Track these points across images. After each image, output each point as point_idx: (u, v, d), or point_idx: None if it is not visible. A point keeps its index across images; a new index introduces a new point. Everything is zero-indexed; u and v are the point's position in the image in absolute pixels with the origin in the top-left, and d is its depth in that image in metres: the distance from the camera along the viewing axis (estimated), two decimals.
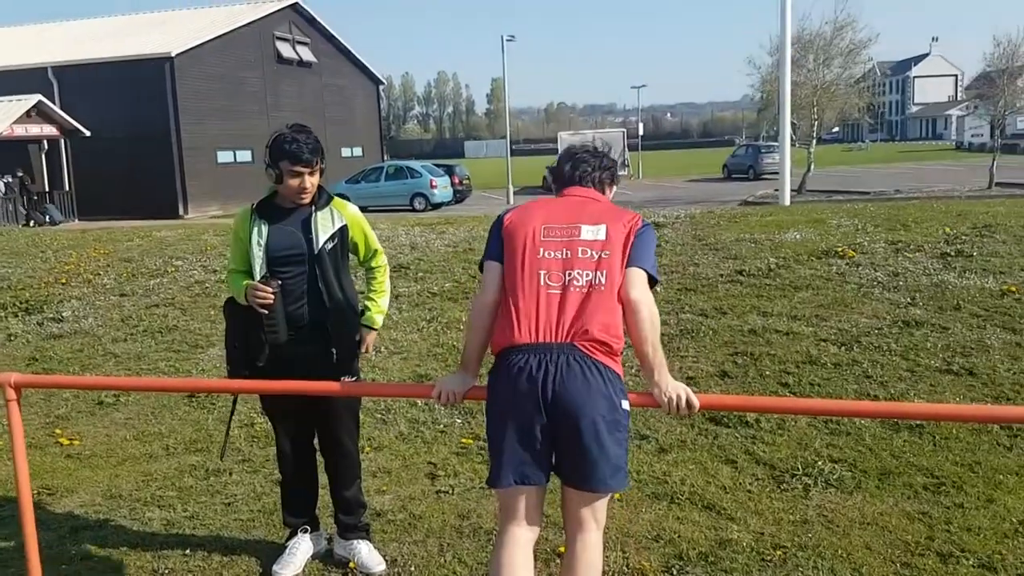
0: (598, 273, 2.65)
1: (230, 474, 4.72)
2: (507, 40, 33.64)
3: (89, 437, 5.44)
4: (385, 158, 42.37)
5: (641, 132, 51.14)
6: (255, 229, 3.46)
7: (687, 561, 3.56)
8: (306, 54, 36.65)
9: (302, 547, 3.67)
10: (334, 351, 3.46)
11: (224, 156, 31.58)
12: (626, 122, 74.76)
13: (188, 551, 3.80)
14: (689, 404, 2.62)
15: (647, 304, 2.65)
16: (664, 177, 43.35)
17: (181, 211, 29.09)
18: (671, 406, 2.63)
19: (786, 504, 4.06)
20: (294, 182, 3.38)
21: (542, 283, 2.66)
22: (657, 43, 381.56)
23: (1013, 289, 6.81)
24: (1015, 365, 5.58)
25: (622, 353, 2.70)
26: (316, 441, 3.76)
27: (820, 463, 4.43)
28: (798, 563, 3.50)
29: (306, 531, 3.72)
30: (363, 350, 3.63)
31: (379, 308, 3.65)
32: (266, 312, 3.32)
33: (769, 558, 3.55)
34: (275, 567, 3.58)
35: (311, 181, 3.40)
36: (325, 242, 3.43)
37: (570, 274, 2.66)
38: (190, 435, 5.35)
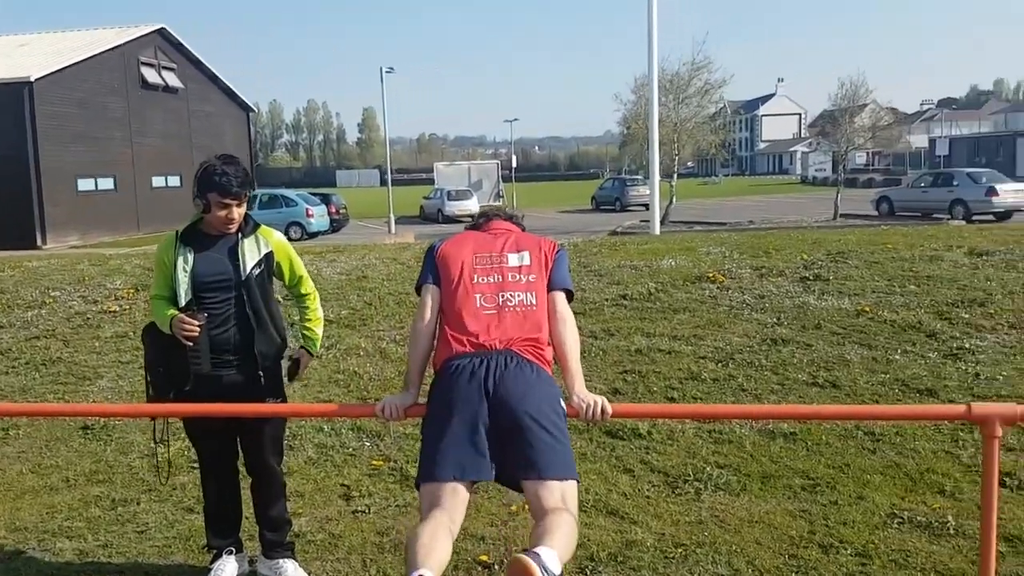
0: (528, 294, 2.97)
1: (138, 503, 4.68)
2: (386, 72, 33.85)
3: None
4: (255, 186, 41.50)
5: (515, 164, 52.18)
6: (180, 256, 3.53)
7: (598, 562, 3.84)
8: (172, 80, 35.58)
9: (227, 569, 3.73)
10: (261, 375, 3.57)
11: (85, 184, 30.16)
12: (497, 154, 75.99)
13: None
14: (603, 411, 2.91)
15: (571, 321, 3.02)
16: (537, 208, 44.35)
17: (39, 240, 27.52)
18: (588, 413, 2.90)
19: (681, 507, 4.42)
20: (222, 213, 3.48)
21: (478, 305, 2.94)
22: (524, 79, 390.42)
23: (867, 309, 7.54)
24: (873, 377, 6.21)
25: (552, 365, 2.99)
26: (240, 463, 3.84)
27: (708, 469, 4.83)
28: (698, 559, 3.85)
29: (231, 552, 3.78)
30: (299, 374, 3.77)
31: (315, 334, 3.80)
32: (191, 344, 3.41)
33: (671, 555, 3.89)
34: None
35: (238, 212, 3.51)
36: (252, 268, 3.54)
37: (503, 296, 2.96)
38: (89, 467, 5.24)
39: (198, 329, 3.39)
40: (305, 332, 3.77)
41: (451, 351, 2.88)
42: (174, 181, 35.56)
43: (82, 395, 6.58)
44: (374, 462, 5.15)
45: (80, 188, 29.99)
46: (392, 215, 32.44)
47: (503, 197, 46.39)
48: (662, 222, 26.98)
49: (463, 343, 2.87)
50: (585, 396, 2.93)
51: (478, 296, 2.96)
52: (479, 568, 3.80)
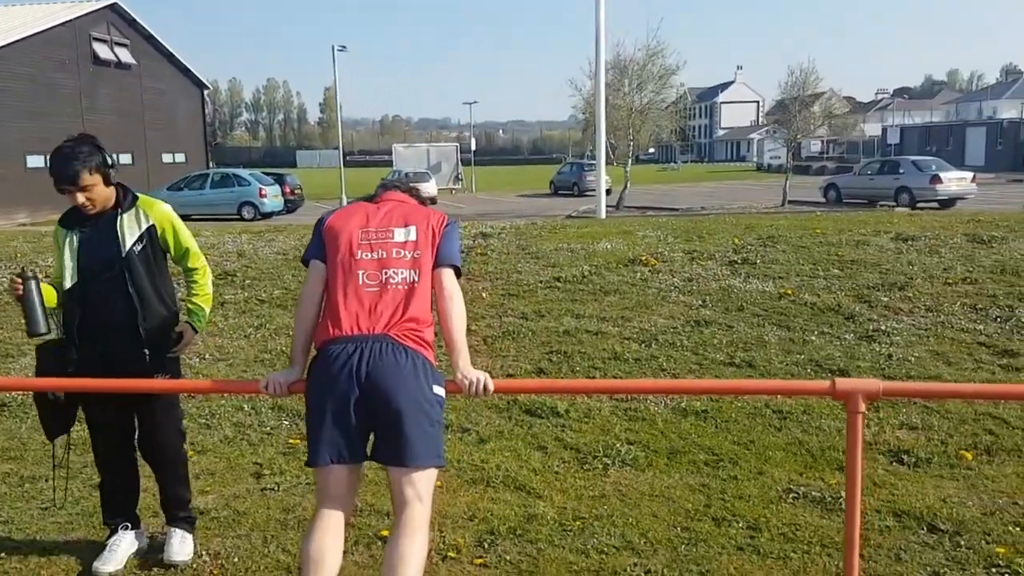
0: (412, 271, 2.97)
1: (46, 480, 4.63)
2: (338, 50, 33.49)
3: None
4: (211, 165, 40.89)
5: (474, 147, 52.00)
6: (66, 240, 3.51)
7: (498, 535, 3.91)
8: (125, 56, 34.85)
9: (123, 544, 3.72)
10: (146, 352, 3.52)
11: (34, 160, 29.43)
12: (460, 137, 75.72)
13: (3, 554, 3.77)
14: (486, 387, 2.96)
15: (458, 297, 3.02)
16: (496, 191, 44.35)
17: None
18: (471, 389, 2.95)
19: (587, 482, 4.51)
20: (69, 199, 3.43)
21: (361, 282, 2.94)
22: (490, 61, 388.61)
23: (789, 292, 7.71)
24: (788, 357, 6.37)
25: (434, 345, 3.02)
26: (136, 441, 3.83)
27: (619, 445, 4.93)
28: (594, 531, 3.94)
29: (126, 528, 3.78)
30: (177, 348, 3.65)
31: (200, 309, 3.70)
32: (21, 305, 3.36)
33: (569, 528, 3.97)
34: (96, 564, 3.62)
35: (85, 197, 3.41)
36: (133, 245, 3.48)
37: (386, 272, 2.95)
38: (1, 443, 5.19)
39: (19, 289, 3.32)
40: (190, 307, 3.70)
41: (328, 334, 2.89)
42: (126, 159, 34.88)
43: (3, 372, 6.50)
44: (291, 440, 5.17)
45: (29, 164, 29.31)
46: (345, 197, 32.20)
47: (462, 180, 46.28)
48: (616, 207, 27.20)
49: (340, 327, 2.87)
50: (469, 373, 2.97)
51: (361, 273, 2.95)
52: (379, 543, 3.85)
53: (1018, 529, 3.88)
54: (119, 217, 3.50)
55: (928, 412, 5.35)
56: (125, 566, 3.67)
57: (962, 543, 3.77)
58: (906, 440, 4.97)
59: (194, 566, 3.66)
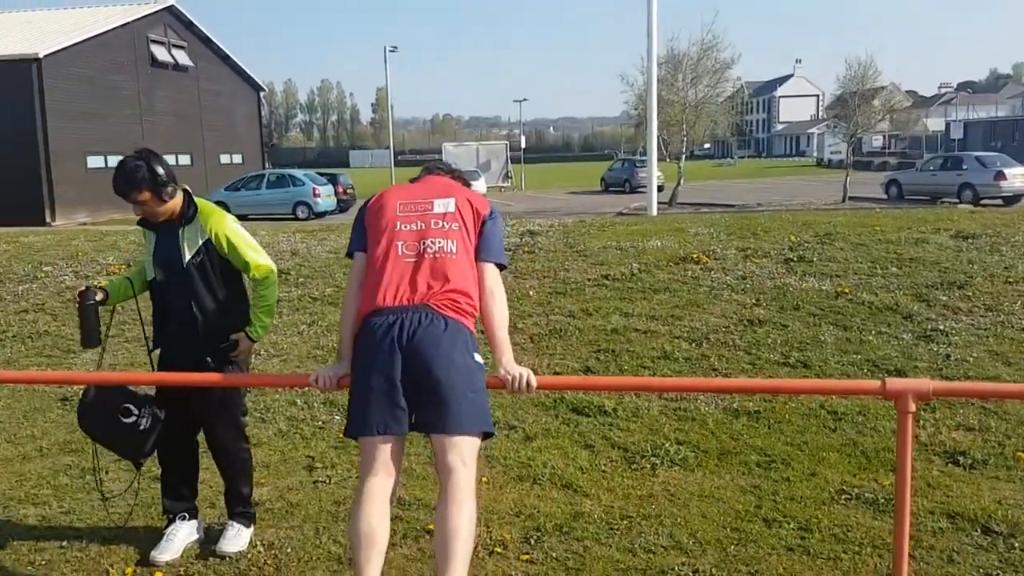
0: (449, 242, 3.00)
1: (106, 472, 4.78)
2: (390, 51, 33.81)
3: None
4: (266, 166, 41.60)
5: (524, 145, 52.02)
6: (148, 240, 3.73)
7: (544, 532, 3.92)
8: (182, 58, 35.64)
9: (180, 534, 3.83)
10: (208, 360, 3.65)
11: (95, 161, 30.31)
12: (510, 135, 75.80)
13: (65, 543, 3.90)
14: (528, 383, 2.96)
15: (500, 294, 3.05)
16: (546, 189, 44.29)
17: (48, 218, 27.75)
18: (513, 385, 2.96)
19: (635, 481, 4.49)
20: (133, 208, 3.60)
21: (400, 253, 2.98)
22: (541, 58, 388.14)
23: (846, 291, 7.56)
24: (844, 358, 6.25)
25: (475, 317, 3.02)
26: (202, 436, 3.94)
27: (668, 445, 4.89)
28: (641, 530, 3.92)
29: (184, 518, 3.88)
30: (234, 353, 3.73)
31: (260, 319, 3.76)
32: (79, 318, 3.63)
33: (616, 527, 3.96)
34: (153, 552, 3.73)
35: (145, 209, 3.59)
36: (192, 257, 3.62)
37: (424, 243, 2.99)
38: (64, 437, 5.37)
39: (78, 302, 3.60)
40: (251, 317, 3.78)
41: (370, 306, 2.93)
42: (184, 160, 35.70)
43: (64, 368, 6.72)
44: (341, 435, 5.23)
45: (90, 165, 30.16)
46: None
47: (511, 178, 46.30)
48: (669, 203, 26.94)
49: (381, 299, 2.91)
50: (512, 368, 2.98)
51: (400, 244, 2.99)
52: (427, 537, 3.88)
53: None
54: (181, 229, 3.63)
55: (985, 413, 5.21)
56: (182, 555, 3.77)
57: (1016, 545, 3.67)
58: (962, 441, 4.85)
59: (249, 556, 3.74)
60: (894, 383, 2.77)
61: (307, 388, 5.75)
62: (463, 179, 3.42)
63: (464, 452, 2.82)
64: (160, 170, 3.53)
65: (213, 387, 3.69)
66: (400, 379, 2.83)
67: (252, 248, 3.74)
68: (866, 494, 4.22)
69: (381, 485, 2.85)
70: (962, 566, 3.53)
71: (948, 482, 4.35)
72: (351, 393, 2.96)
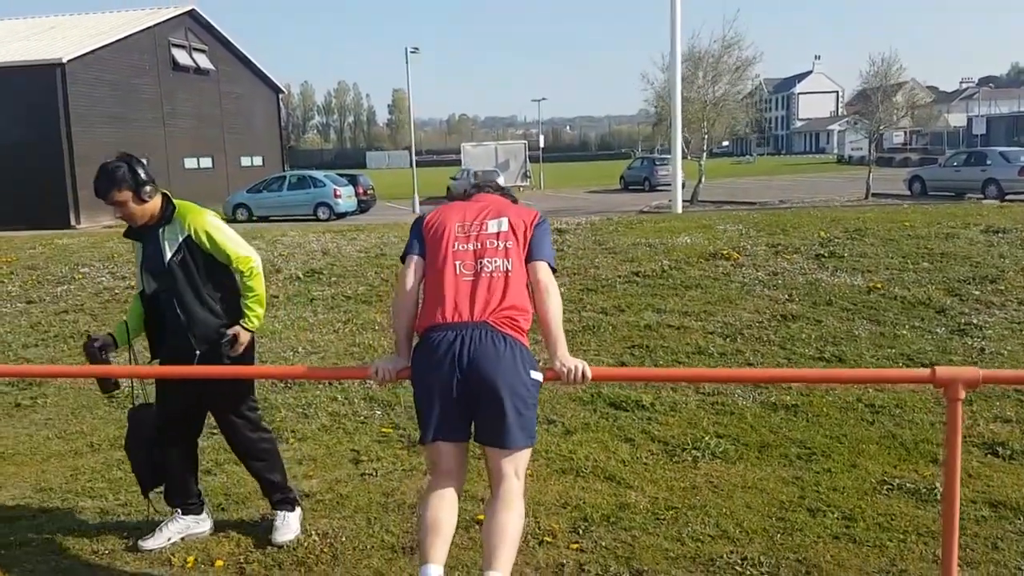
0: (505, 261, 3.11)
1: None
2: (411, 52, 33.90)
3: (10, 438, 5.51)
4: (286, 167, 41.90)
5: (542, 144, 52.05)
6: (135, 249, 3.85)
7: (591, 522, 3.99)
8: (203, 61, 36.01)
9: (171, 526, 3.93)
10: (198, 353, 3.73)
11: None
12: (527, 134, 75.88)
13: (125, 534, 4.01)
14: (584, 375, 3.05)
15: (554, 290, 3.14)
16: (565, 188, 44.34)
17: (72, 221, 28.14)
18: (570, 376, 3.04)
19: (677, 473, 4.55)
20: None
21: (457, 272, 3.10)
22: (557, 58, 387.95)
23: (879, 286, 7.58)
24: (879, 352, 6.28)
25: (529, 331, 3.12)
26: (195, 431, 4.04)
27: (707, 439, 4.95)
28: (688, 520, 3.98)
29: (179, 512, 3.96)
30: (233, 350, 3.78)
31: (251, 310, 3.79)
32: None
33: (662, 517, 4.02)
34: (140, 540, 3.87)
35: (125, 211, 3.67)
36: (172, 257, 3.68)
37: (481, 263, 3.11)
38: (113, 432, 5.48)
39: (87, 354, 3.83)
40: (243, 307, 3.82)
41: (430, 321, 3.05)
42: (206, 163, 36.10)
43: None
44: (384, 429, 5.33)
45: None
46: (417, 196, 32.61)
47: (530, 177, 46.33)
48: (691, 201, 26.93)
49: (441, 315, 3.02)
50: (567, 360, 3.07)
51: (458, 263, 3.11)
52: (476, 527, 3.96)
53: None
54: (160, 230, 3.71)
55: (1022, 405, 5.23)
56: (241, 546, 3.85)
57: None
58: (1000, 433, 4.88)
59: (305, 545, 3.83)
60: (944, 371, 2.82)
61: (347, 384, 5.91)
62: (511, 196, 3.56)
63: (517, 463, 3.03)
64: (140, 171, 3.63)
65: (219, 388, 3.81)
66: (459, 392, 2.96)
67: (233, 241, 3.77)
68: (907, 484, 4.26)
69: (448, 486, 3.04)
70: (1007, 552, 3.57)
71: (988, 472, 4.38)
72: (417, 405, 3.10)
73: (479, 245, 3.15)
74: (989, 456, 4.60)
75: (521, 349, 3.03)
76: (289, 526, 3.93)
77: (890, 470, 4.47)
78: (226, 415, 3.91)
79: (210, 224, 3.75)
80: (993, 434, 4.85)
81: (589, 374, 3.05)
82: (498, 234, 3.18)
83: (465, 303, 3.03)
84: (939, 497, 4.09)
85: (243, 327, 3.80)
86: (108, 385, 3.96)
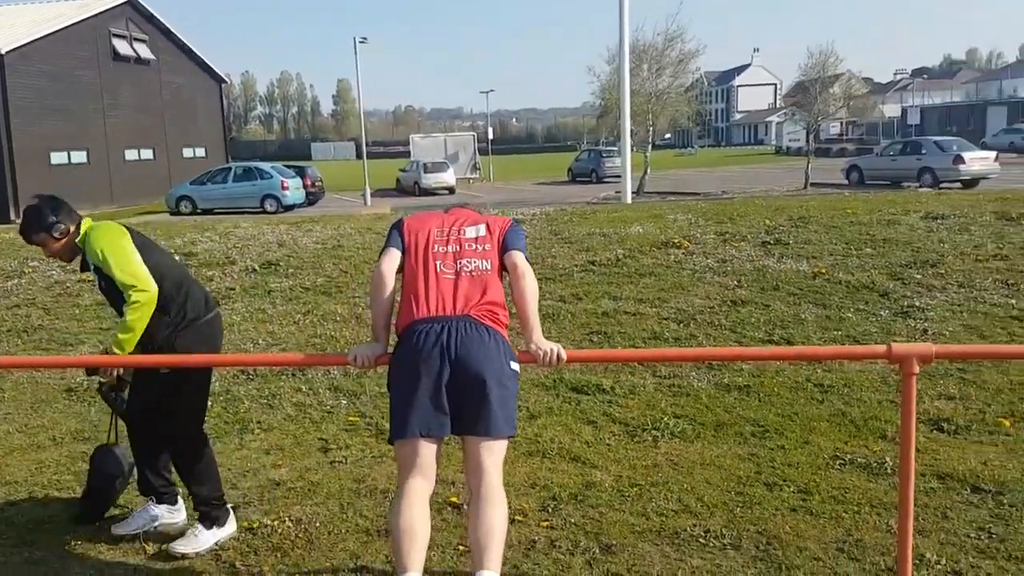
0: (483, 261, 3.22)
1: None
2: (360, 42, 33.57)
3: None
4: (229, 159, 41.21)
5: (491, 136, 52.04)
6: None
7: (560, 501, 4.13)
8: (144, 51, 35.19)
9: (143, 515, 3.95)
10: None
11: (58, 157, 29.92)
12: (474, 126, 75.70)
13: (96, 524, 4.02)
14: (559, 356, 3.17)
15: (530, 275, 3.24)
16: (513, 180, 44.46)
17: (13, 215, 27.25)
18: (545, 359, 3.16)
19: (639, 453, 4.71)
20: None
21: (438, 271, 3.19)
22: (501, 50, 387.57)
23: (824, 271, 7.86)
24: (825, 335, 6.53)
25: (508, 326, 3.23)
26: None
27: (666, 419, 5.12)
28: (651, 497, 4.14)
29: (151, 501, 3.98)
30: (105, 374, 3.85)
31: (114, 336, 3.61)
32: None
33: (627, 494, 4.18)
34: (113, 525, 3.94)
35: (48, 252, 3.72)
36: (99, 283, 3.72)
37: (460, 263, 3.21)
38: (75, 426, 5.45)
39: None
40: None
41: (413, 316, 3.11)
42: (147, 154, 35.35)
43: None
44: (351, 418, 5.39)
45: (53, 161, 29.75)
46: (368, 187, 32.41)
47: (479, 169, 46.35)
48: (637, 193, 27.28)
49: (425, 309, 3.10)
50: (542, 344, 3.19)
51: (438, 263, 3.21)
52: (449, 508, 4.07)
53: None
54: (86, 259, 3.70)
55: (964, 383, 5.51)
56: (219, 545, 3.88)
57: (1005, 502, 3.94)
58: (944, 409, 5.14)
59: (279, 531, 3.88)
60: (899, 347, 3.00)
61: (311, 374, 5.95)
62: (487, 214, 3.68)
63: (496, 454, 3.07)
64: (47, 211, 3.61)
65: (179, 400, 3.81)
66: (447, 383, 3.01)
67: (121, 266, 3.56)
68: (859, 459, 4.48)
69: (421, 486, 3.02)
70: (956, 521, 3.79)
71: (935, 447, 4.62)
72: (394, 399, 3.11)
73: (458, 247, 3.24)
74: (935, 432, 4.85)
75: (502, 339, 3.13)
76: (194, 541, 3.77)
77: (841, 446, 4.69)
78: (157, 418, 3.82)
79: (106, 246, 3.59)
80: (938, 410, 5.11)
81: (564, 356, 3.17)
82: (476, 238, 3.28)
83: (448, 298, 3.11)
84: (890, 471, 4.32)
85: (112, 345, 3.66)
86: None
